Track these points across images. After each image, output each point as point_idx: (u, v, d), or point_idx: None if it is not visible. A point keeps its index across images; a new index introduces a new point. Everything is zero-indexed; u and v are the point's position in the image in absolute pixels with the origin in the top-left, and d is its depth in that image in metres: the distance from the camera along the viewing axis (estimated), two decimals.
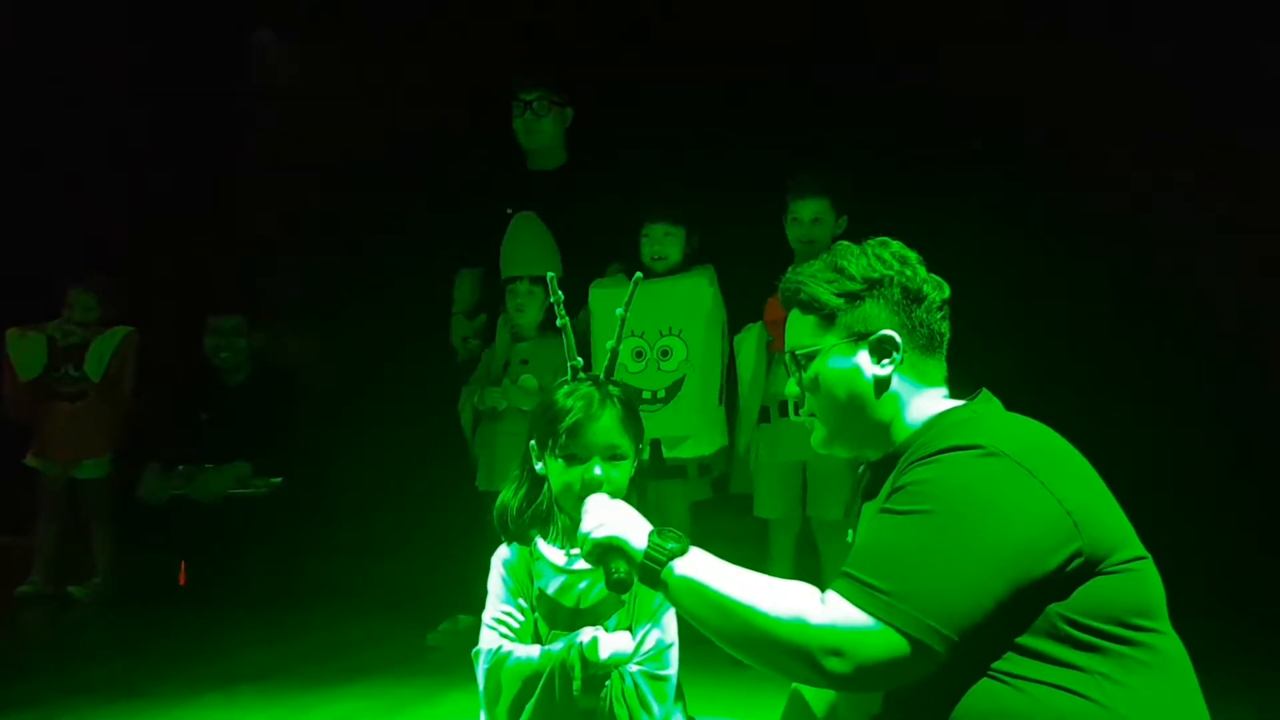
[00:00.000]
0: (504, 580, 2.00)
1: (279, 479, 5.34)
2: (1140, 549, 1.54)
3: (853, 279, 1.68)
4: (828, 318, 1.69)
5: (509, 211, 4.52)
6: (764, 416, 4.07)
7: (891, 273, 1.68)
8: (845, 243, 1.75)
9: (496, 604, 1.99)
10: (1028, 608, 1.46)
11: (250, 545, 5.32)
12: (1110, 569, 1.48)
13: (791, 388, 1.75)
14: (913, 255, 1.72)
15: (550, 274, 2.11)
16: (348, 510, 5.63)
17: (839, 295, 1.68)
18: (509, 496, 2.02)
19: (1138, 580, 1.51)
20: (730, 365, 4.22)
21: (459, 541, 4.11)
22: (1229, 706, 1.72)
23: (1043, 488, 1.48)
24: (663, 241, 4.23)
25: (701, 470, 4.22)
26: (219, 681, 3.71)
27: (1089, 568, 1.47)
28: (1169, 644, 1.52)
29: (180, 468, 5.35)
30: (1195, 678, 1.53)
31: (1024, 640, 1.46)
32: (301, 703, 3.50)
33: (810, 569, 3.98)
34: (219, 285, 6.03)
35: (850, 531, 1.79)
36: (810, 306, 1.70)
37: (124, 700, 3.47)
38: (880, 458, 1.70)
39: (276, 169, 6.23)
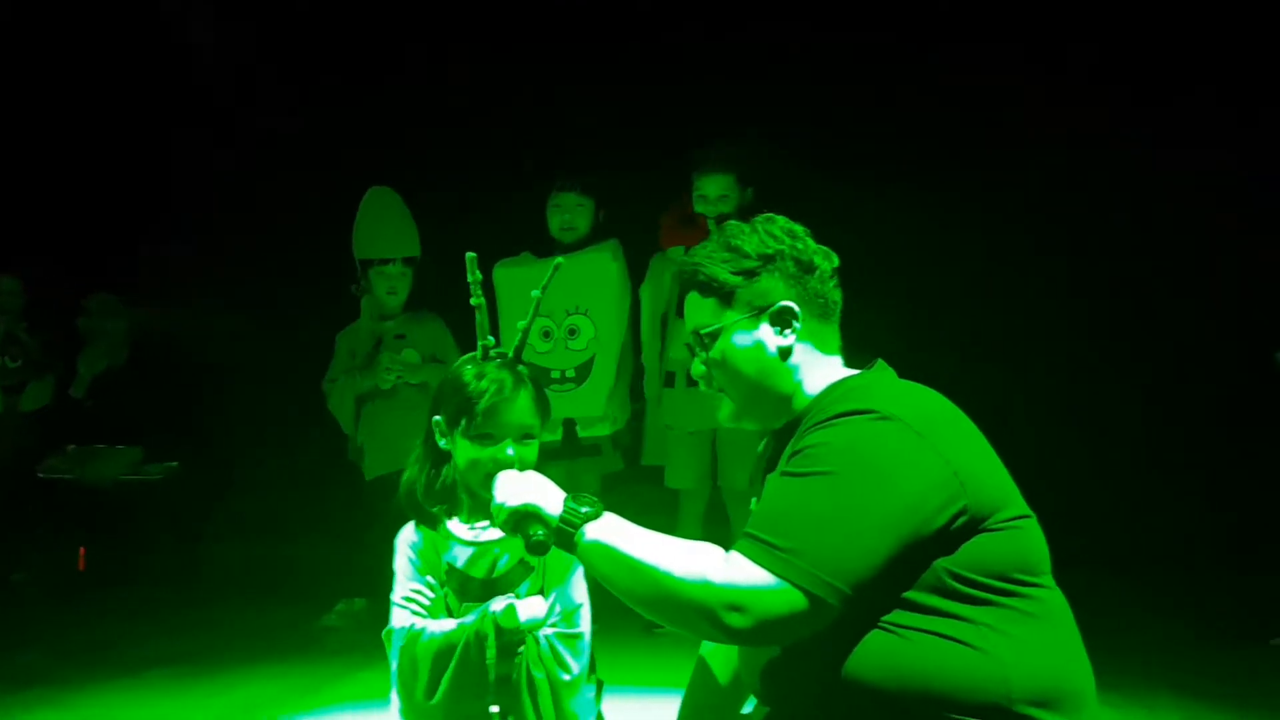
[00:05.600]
0: (410, 559, 2.00)
1: (174, 463, 5.21)
2: (1024, 508, 1.62)
3: (748, 256, 1.73)
4: (727, 296, 1.73)
5: None
6: (669, 382, 4.11)
7: (783, 247, 1.73)
8: (735, 221, 1.80)
9: (405, 582, 1.99)
10: (917, 563, 1.53)
11: (149, 531, 5.19)
12: (994, 526, 1.56)
13: (697, 368, 1.79)
14: (800, 228, 1.78)
15: (470, 254, 2.07)
16: (245, 493, 5.53)
17: (736, 273, 1.73)
18: (414, 475, 2.02)
19: (1021, 537, 1.58)
20: (635, 334, 4.25)
21: (354, 525, 4.08)
22: (1114, 656, 1.81)
23: (932, 449, 1.55)
24: (574, 211, 4.20)
25: (614, 444, 4.25)
26: (121, 670, 3.64)
27: (974, 525, 1.54)
28: (1051, 596, 1.60)
29: (71, 447, 5.18)
30: (1076, 628, 1.62)
31: (912, 594, 1.53)
32: (207, 689, 3.45)
33: (720, 537, 4.03)
34: (100, 261, 5.81)
35: (754, 500, 1.84)
36: (709, 287, 1.74)
37: (20, 691, 3.37)
38: (782, 426, 1.75)
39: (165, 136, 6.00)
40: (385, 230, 4.39)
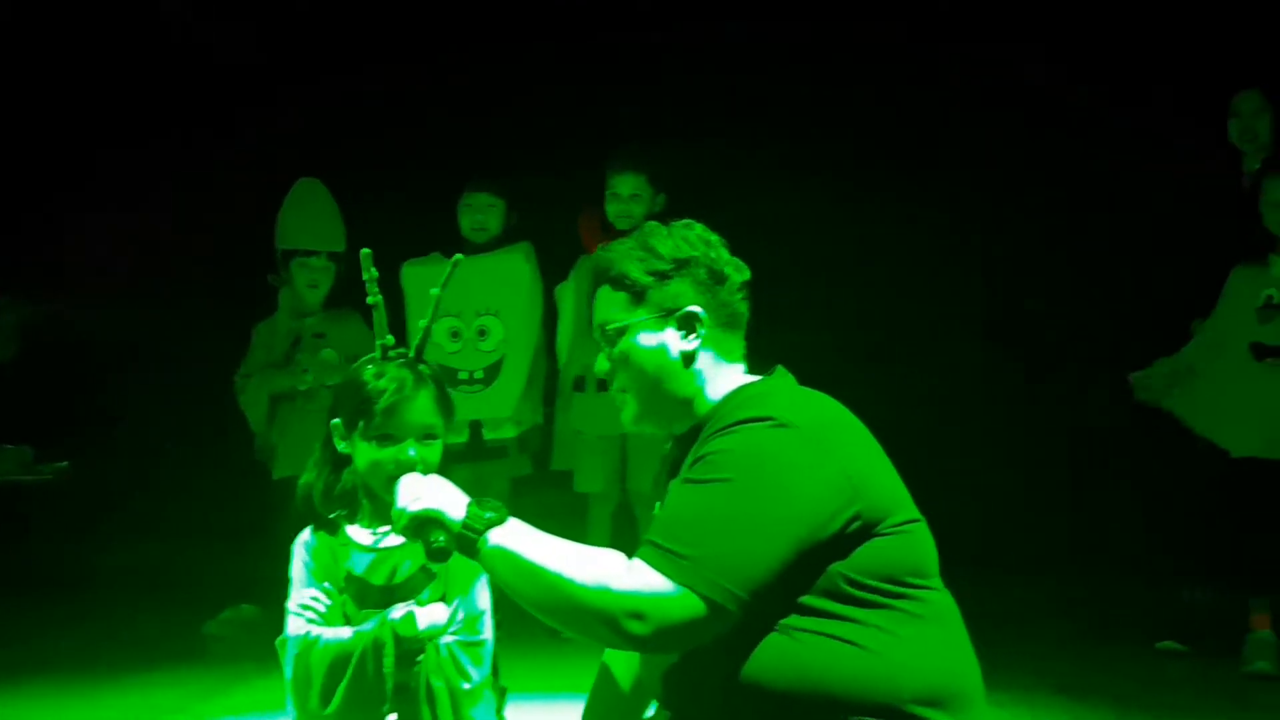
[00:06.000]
0: (307, 565, 1.95)
1: (64, 463, 5.03)
2: (914, 512, 1.66)
3: (662, 258, 1.74)
4: (638, 294, 1.74)
5: None
6: (579, 386, 4.11)
7: (698, 253, 1.76)
8: (654, 223, 1.82)
9: (301, 589, 1.95)
10: (812, 568, 1.56)
11: (38, 532, 5.01)
12: (886, 530, 1.60)
13: (602, 363, 1.80)
14: (715, 238, 1.80)
15: (365, 250, 2.04)
16: (142, 494, 5.36)
17: (649, 273, 1.74)
18: (312, 479, 1.98)
19: (911, 541, 1.63)
20: (549, 338, 4.24)
21: (253, 528, 3.99)
22: (1002, 656, 1.87)
23: (828, 456, 1.58)
24: (485, 212, 4.19)
25: (522, 447, 4.23)
26: (3, 674, 3.51)
27: (867, 530, 1.58)
28: (940, 598, 1.65)
29: None
30: (964, 629, 1.66)
31: (808, 598, 1.56)
32: (95, 694, 3.36)
33: (629, 541, 4.03)
34: None
35: (658, 505, 1.85)
36: (621, 283, 1.75)
37: None
38: (685, 431, 1.76)
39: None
40: (312, 222, 4.31)
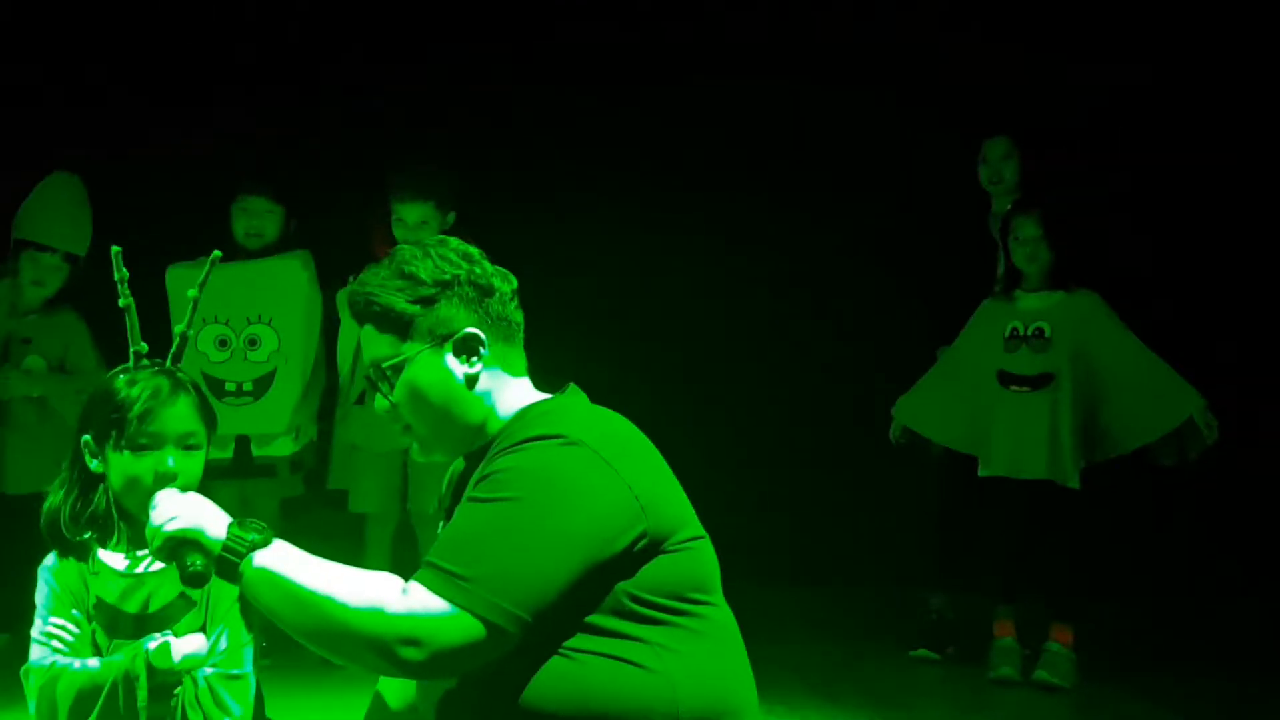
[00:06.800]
0: (53, 591, 1.82)
1: None
2: (699, 529, 1.68)
3: (424, 283, 1.67)
4: (405, 326, 1.67)
5: None
6: (362, 400, 3.96)
7: (460, 271, 1.69)
8: (407, 247, 1.74)
9: (46, 617, 1.81)
10: (597, 587, 1.55)
11: None
12: (671, 548, 1.60)
13: (381, 403, 1.71)
14: (475, 251, 1.74)
15: (116, 249, 1.91)
16: None
17: (414, 301, 1.67)
18: (58, 501, 1.85)
19: (695, 557, 1.64)
20: (329, 350, 4.07)
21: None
22: (776, 670, 1.93)
23: (616, 474, 1.57)
24: (263, 217, 3.97)
25: (294, 467, 4.04)
26: None
27: (653, 547, 1.58)
28: (720, 614, 1.67)
29: None
30: (742, 644, 1.70)
31: (592, 618, 1.55)
32: None
33: (409, 565, 3.91)
34: None
35: (442, 525, 1.80)
36: (386, 317, 1.67)
37: None
38: (475, 450, 1.72)
39: None
40: (56, 218, 3.99)
